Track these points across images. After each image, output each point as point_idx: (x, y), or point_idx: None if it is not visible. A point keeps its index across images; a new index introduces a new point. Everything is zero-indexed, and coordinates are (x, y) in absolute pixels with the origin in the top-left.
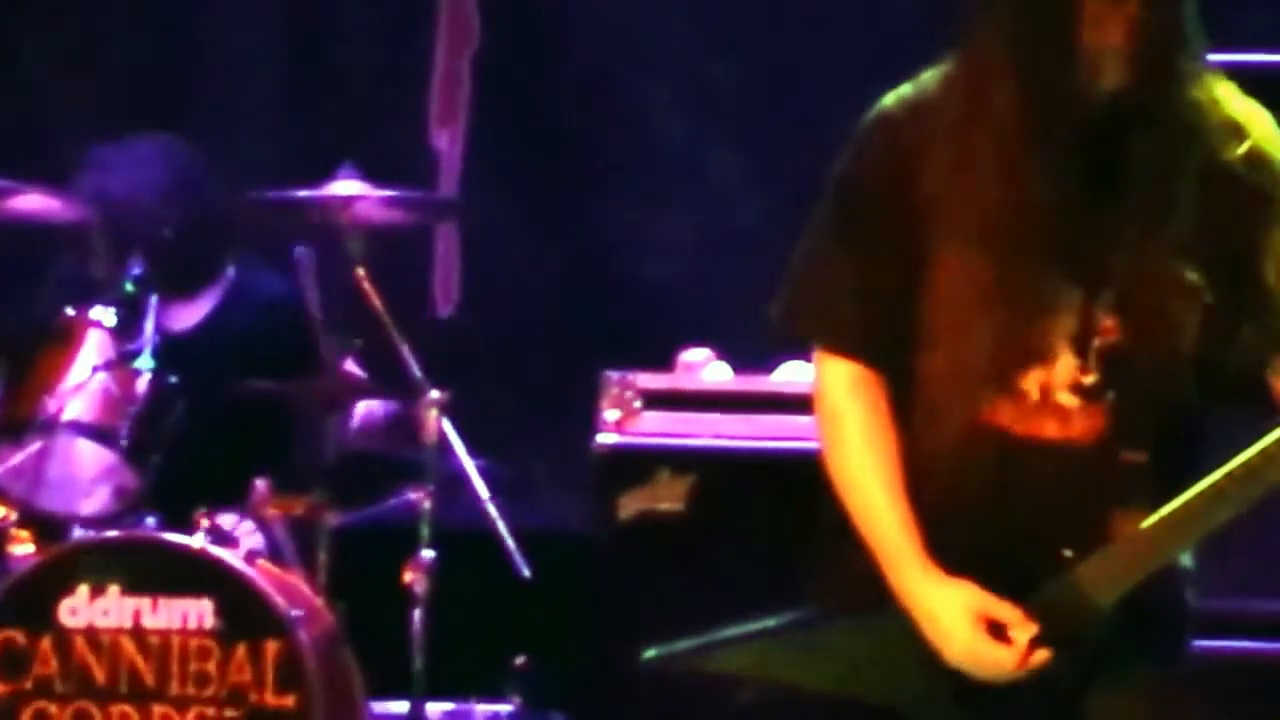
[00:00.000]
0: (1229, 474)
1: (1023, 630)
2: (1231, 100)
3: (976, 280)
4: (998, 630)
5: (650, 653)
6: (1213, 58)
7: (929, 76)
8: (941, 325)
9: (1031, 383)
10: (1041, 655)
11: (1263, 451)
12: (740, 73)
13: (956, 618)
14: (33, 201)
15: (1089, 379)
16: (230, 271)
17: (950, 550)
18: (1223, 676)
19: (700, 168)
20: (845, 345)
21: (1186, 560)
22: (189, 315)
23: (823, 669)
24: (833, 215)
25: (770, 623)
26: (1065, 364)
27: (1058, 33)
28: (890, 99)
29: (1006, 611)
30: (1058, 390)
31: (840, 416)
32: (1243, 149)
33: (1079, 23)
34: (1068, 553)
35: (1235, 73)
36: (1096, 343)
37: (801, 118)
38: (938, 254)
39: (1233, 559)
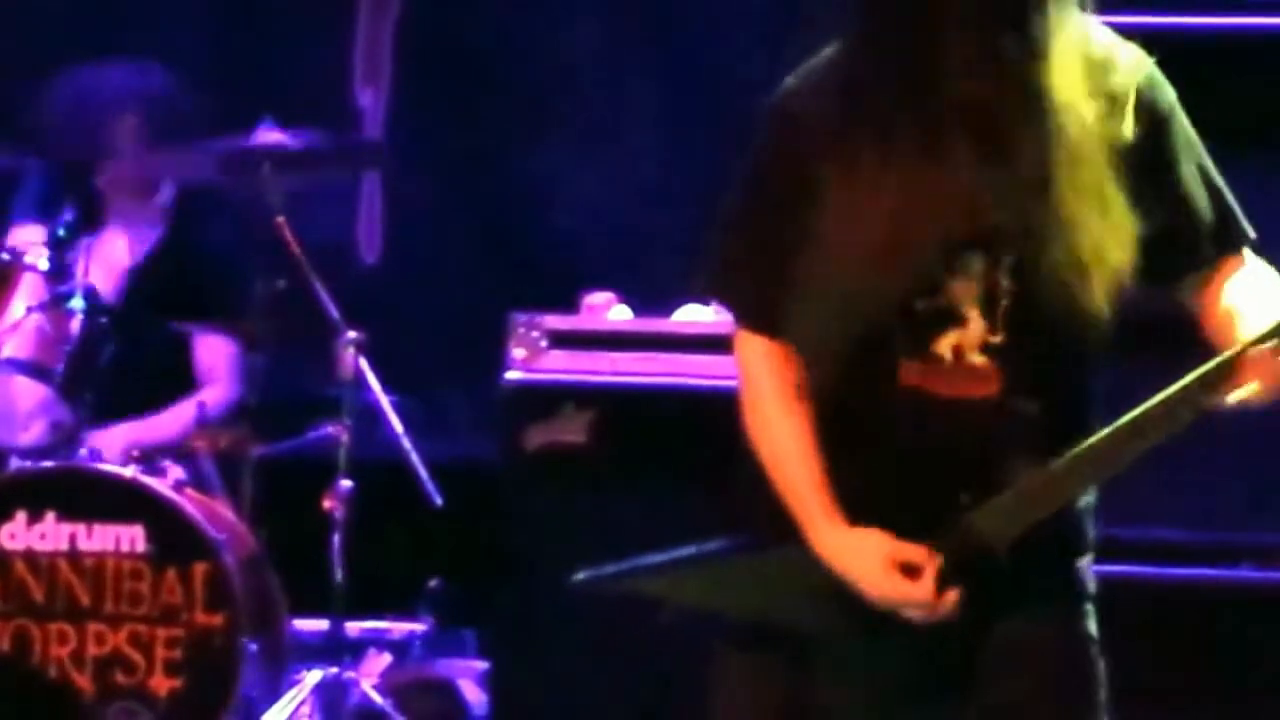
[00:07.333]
0: (1128, 423)
1: (930, 566)
2: (1114, 61)
3: (872, 252)
4: (910, 571)
5: (580, 575)
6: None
7: (828, 54)
8: (848, 293)
9: (945, 346)
10: (953, 595)
11: (1160, 403)
12: (649, 26)
13: (871, 563)
14: None
15: (997, 339)
16: (170, 213)
17: (857, 504)
18: (1116, 600)
19: (607, 124)
20: (761, 324)
21: (1088, 494)
22: (133, 250)
23: (739, 596)
24: (744, 199)
25: (693, 550)
26: (975, 326)
27: (912, 50)
28: (792, 80)
29: (914, 552)
30: (969, 352)
31: (759, 388)
32: (1122, 103)
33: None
34: (964, 498)
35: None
36: (1002, 304)
37: (707, 71)
38: (837, 228)
39: (1123, 487)
